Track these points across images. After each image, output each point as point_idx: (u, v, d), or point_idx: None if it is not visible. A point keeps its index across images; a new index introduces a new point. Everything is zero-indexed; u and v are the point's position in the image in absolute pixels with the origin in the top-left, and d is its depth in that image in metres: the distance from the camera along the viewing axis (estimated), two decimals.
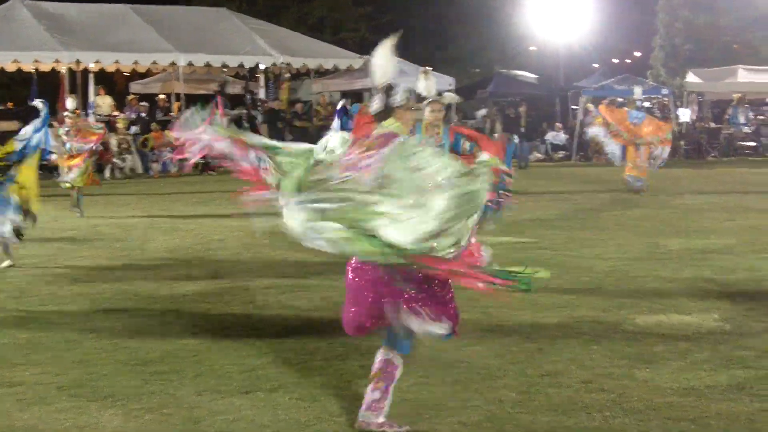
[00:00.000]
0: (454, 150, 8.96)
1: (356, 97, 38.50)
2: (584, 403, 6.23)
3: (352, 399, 6.34)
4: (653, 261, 11.80)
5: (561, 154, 33.43)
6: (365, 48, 36.93)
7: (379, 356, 5.82)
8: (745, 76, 34.26)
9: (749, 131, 34.03)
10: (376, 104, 5.94)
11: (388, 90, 5.96)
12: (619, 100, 24.63)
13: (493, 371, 7.00)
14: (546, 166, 31.10)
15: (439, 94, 9.87)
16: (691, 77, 33.94)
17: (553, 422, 5.90)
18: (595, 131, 21.46)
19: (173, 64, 29.44)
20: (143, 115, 29.03)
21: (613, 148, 20.96)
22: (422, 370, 6.95)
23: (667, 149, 20.83)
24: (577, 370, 6.99)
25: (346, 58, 32.84)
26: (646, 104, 30.31)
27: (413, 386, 6.61)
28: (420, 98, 8.94)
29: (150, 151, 27.83)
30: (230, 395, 6.47)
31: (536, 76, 44.04)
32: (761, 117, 34.78)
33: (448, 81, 35.89)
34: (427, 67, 9.77)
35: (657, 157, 20.51)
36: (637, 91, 24.00)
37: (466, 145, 9.06)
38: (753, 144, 33.77)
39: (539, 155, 33.09)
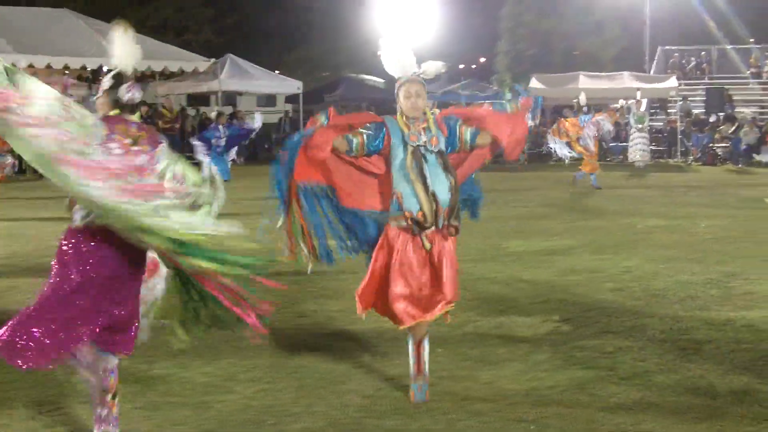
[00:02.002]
0: (452, 147, 6.52)
1: (203, 100, 38.22)
2: (429, 406, 6.26)
3: (195, 408, 6.27)
4: (495, 262, 11.98)
5: None
6: (210, 50, 36.69)
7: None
8: (585, 82, 35.16)
9: None
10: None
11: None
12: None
13: (338, 376, 7.00)
14: None
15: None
16: (535, 83, 34.67)
17: (399, 426, 5.92)
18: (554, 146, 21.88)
19: (13, 65, 28.52)
20: None
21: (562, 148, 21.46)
22: (266, 377, 6.92)
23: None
24: None
25: (192, 61, 32.45)
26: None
27: (258, 392, 6.57)
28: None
29: None
30: (70, 406, 6.30)
31: (384, 80, 44.42)
32: None
33: (296, 84, 35.99)
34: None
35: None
36: (582, 97, 24.49)
37: (465, 133, 6.54)
38: None
39: None
